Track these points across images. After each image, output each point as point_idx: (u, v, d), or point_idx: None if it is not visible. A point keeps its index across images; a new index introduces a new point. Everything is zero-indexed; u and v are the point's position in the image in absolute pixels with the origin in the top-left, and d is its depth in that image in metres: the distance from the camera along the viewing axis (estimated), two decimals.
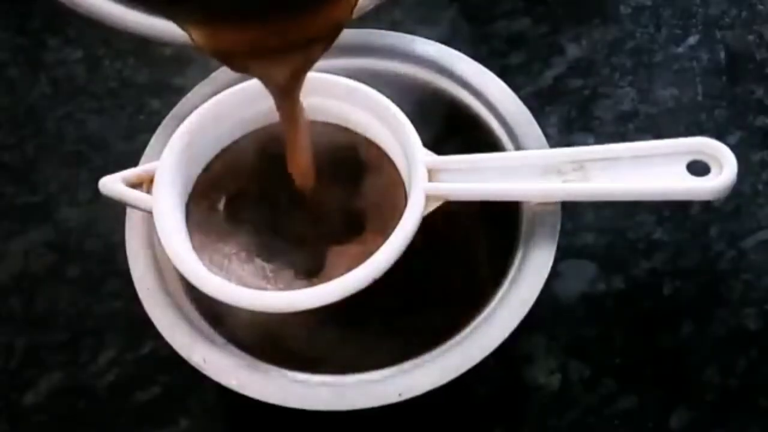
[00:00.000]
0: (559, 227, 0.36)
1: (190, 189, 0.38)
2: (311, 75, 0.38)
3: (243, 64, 0.33)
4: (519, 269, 0.36)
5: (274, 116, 0.39)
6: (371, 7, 0.40)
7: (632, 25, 0.52)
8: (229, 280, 0.36)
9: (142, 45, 0.53)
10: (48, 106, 0.51)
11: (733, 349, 0.41)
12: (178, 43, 0.35)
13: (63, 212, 0.48)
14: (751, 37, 0.51)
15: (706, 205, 0.45)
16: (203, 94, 0.40)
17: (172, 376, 0.42)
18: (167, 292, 0.36)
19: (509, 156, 0.38)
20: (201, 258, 0.36)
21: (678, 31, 0.52)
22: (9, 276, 0.46)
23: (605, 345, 0.42)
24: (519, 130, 0.39)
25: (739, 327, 0.42)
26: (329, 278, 0.34)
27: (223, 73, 0.41)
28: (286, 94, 0.35)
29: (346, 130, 0.39)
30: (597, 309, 0.43)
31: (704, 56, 0.51)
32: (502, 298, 0.35)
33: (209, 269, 0.36)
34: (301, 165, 0.38)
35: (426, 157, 0.36)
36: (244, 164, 0.39)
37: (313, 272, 0.37)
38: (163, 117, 0.41)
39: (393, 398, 0.33)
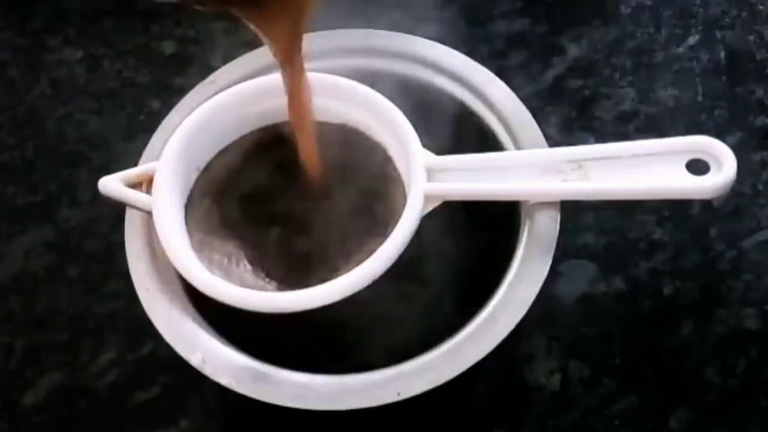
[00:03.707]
0: (558, 227, 0.36)
1: (189, 189, 0.38)
2: (312, 75, 0.38)
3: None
4: (519, 269, 0.36)
5: (274, 116, 0.39)
6: None
7: (632, 25, 0.52)
8: (229, 280, 0.36)
9: (142, 45, 0.53)
10: (48, 106, 0.52)
11: (733, 349, 0.41)
12: None
13: (63, 212, 0.48)
14: (751, 37, 0.51)
15: (706, 205, 0.45)
16: (203, 94, 0.40)
17: (172, 376, 0.42)
18: (167, 292, 0.36)
19: (509, 156, 0.38)
20: (201, 258, 0.36)
21: (678, 31, 0.52)
22: (9, 276, 0.46)
23: (605, 345, 0.42)
24: (519, 130, 0.39)
25: (739, 327, 0.42)
26: (329, 278, 0.34)
27: (223, 73, 0.41)
28: (288, 46, 0.35)
29: (346, 130, 0.39)
30: (597, 309, 0.43)
31: (704, 56, 0.51)
32: (502, 298, 0.35)
33: (209, 269, 0.36)
34: (310, 151, 0.38)
35: (425, 157, 0.36)
36: (244, 164, 0.39)
37: (313, 272, 0.37)
38: (163, 117, 0.41)
39: (392, 398, 0.33)
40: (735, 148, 0.36)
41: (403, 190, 0.37)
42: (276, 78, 0.37)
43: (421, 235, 0.35)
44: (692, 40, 0.51)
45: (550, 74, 0.50)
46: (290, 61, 0.36)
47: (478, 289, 0.36)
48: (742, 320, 0.42)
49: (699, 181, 0.36)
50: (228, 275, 0.36)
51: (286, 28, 0.35)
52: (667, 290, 0.43)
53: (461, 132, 0.40)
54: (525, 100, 0.40)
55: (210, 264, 0.36)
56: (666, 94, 0.49)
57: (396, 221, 0.35)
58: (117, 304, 0.44)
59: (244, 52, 0.41)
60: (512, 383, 0.42)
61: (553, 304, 0.42)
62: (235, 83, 0.39)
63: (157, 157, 0.38)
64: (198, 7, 0.34)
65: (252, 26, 0.34)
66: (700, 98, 0.49)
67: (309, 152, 0.38)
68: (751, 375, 0.41)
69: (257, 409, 0.34)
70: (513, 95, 0.40)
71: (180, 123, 0.38)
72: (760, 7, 0.52)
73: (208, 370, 0.34)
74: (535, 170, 0.36)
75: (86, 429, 0.42)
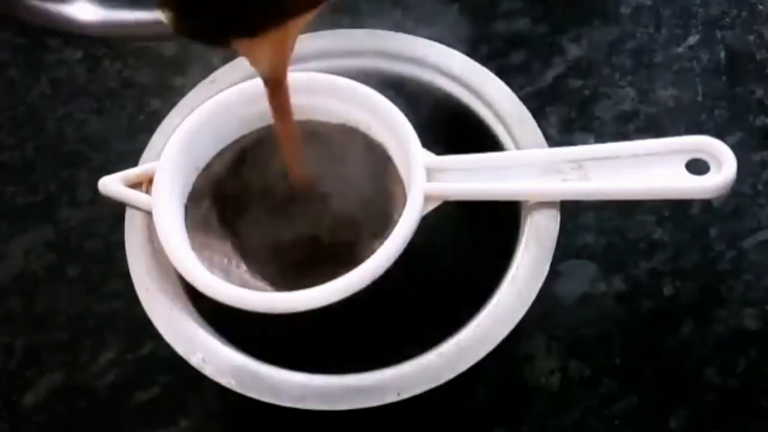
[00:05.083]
0: (558, 227, 0.36)
1: (189, 189, 0.38)
2: (312, 75, 0.38)
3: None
4: (519, 269, 0.36)
5: None
6: None
7: (632, 25, 0.52)
8: (229, 280, 0.36)
9: (142, 45, 0.53)
10: (48, 106, 0.51)
11: (733, 349, 0.41)
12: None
13: (63, 212, 0.48)
14: (751, 37, 0.51)
15: (706, 205, 0.45)
16: (203, 94, 0.40)
17: (172, 376, 0.42)
18: (167, 292, 0.36)
19: (508, 156, 0.38)
20: (201, 258, 0.36)
21: (678, 31, 0.52)
22: (9, 276, 0.46)
23: (605, 345, 0.42)
24: (519, 130, 0.39)
25: (739, 327, 0.42)
26: (329, 278, 0.34)
27: (223, 73, 0.41)
28: (275, 74, 0.35)
29: (346, 130, 0.39)
30: (597, 309, 0.43)
31: (704, 56, 0.51)
32: (502, 298, 0.35)
33: (209, 269, 0.36)
34: (296, 160, 0.38)
35: (425, 157, 0.37)
36: (244, 164, 0.39)
37: (312, 272, 0.37)
38: (163, 117, 0.40)
39: (392, 398, 0.33)
40: (735, 148, 0.36)
41: (403, 190, 0.37)
42: None
43: (421, 235, 0.35)
44: (692, 40, 0.51)
45: (550, 74, 0.50)
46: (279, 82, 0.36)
47: (478, 289, 0.36)
48: (742, 320, 0.42)
49: (699, 181, 0.36)
50: (228, 275, 0.36)
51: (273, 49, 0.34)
52: (667, 290, 0.43)
53: (461, 132, 0.40)
54: (525, 100, 0.40)
55: (210, 264, 0.36)
56: (666, 94, 0.49)
57: (396, 221, 0.35)
58: (117, 304, 0.44)
59: None
60: (512, 383, 0.42)
61: (553, 304, 0.42)
62: (235, 83, 0.39)
63: (157, 157, 0.38)
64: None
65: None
66: (700, 98, 0.49)
67: (294, 153, 0.38)
68: (751, 375, 0.41)
69: (257, 409, 0.34)
70: (513, 95, 0.40)
71: (180, 123, 0.38)
72: (760, 7, 0.52)
73: (208, 370, 0.34)
74: (535, 170, 0.36)
75: (86, 429, 0.42)
